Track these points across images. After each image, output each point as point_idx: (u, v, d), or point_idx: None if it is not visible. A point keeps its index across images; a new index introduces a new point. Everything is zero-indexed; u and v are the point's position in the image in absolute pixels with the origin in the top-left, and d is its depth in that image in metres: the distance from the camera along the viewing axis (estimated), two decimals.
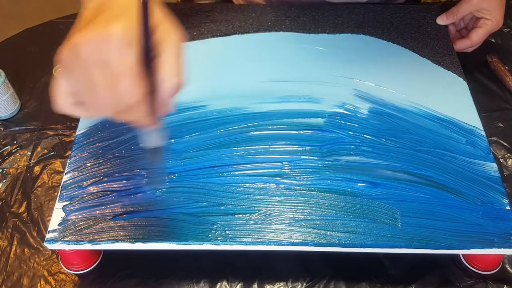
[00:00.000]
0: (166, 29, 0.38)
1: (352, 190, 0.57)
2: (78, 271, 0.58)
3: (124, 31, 0.35)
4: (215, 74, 0.69)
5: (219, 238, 0.53)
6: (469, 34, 0.75)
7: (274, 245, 0.53)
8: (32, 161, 0.68)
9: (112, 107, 0.37)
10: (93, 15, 0.37)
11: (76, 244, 0.53)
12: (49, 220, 0.57)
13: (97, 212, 0.55)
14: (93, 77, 0.36)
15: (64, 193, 0.56)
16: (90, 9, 0.38)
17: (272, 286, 0.57)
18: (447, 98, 0.66)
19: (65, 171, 0.58)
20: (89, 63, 0.35)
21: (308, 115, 0.64)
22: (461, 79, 0.69)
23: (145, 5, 0.35)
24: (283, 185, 0.57)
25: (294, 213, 0.55)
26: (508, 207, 0.56)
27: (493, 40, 0.84)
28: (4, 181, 0.66)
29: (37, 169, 0.67)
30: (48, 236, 0.53)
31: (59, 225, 0.54)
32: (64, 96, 0.38)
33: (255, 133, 0.62)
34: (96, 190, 0.56)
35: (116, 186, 0.57)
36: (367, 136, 0.62)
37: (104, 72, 0.35)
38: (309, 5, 0.78)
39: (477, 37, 0.74)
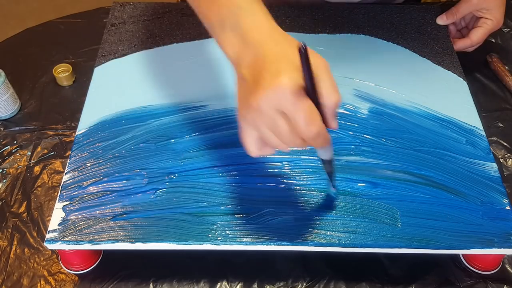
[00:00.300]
0: (314, 60, 0.41)
1: (352, 190, 0.57)
2: (78, 271, 0.58)
3: (292, 81, 0.40)
4: (215, 74, 0.69)
5: (219, 238, 0.53)
6: (469, 33, 0.75)
7: (274, 245, 0.53)
8: (32, 161, 0.68)
9: (296, 144, 0.43)
10: (255, 74, 0.42)
11: (76, 244, 0.53)
12: (49, 220, 0.57)
13: (97, 212, 0.55)
14: (277, 126, 0.42)
15: (64, 193, 0.56)
16: (248, 69, 0.43)
17: (272, 286, 0.57)
18: (447, 98, 0.66)
19: (65, 171, 0.58)
20: (272, 116, 0.41)
21: None
22: (461, 79, 0.69)
23: (305, 52, 0.40)
24: (283, 185, 0.57)
25: (294, 213, 0.55)
26: (508, 207, 0.56)
27: (493, 40, 0.84)
28: (4, 181, 0.66)
29: (37, 169, 0.67)
30: (48, 236, 0.53)
31: (59, 225, 0.54)
32: (253, 143, 0.45)
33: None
34: (96, 190, 0.56)
35: (116, 186, 0.57)
36: (367, 136, 0.62)
37: (284, 120, 0.41)
38: (309, 5, 0.78)
39: (477, 36, 0.74)
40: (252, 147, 0.45)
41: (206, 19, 0.48)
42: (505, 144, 0.70)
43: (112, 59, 0.70)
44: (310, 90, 0.41)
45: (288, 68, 0.41)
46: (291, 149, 0.46)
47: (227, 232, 0.53)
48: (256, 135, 0.44)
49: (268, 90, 0.40)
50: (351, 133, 0.62)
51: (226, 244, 0.53)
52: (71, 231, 0.53)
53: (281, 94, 0.40)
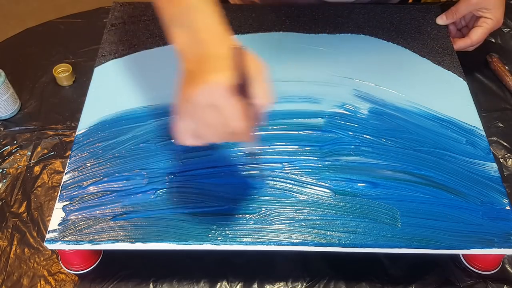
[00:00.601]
0: (251, 63, 0.46)
1: (352, 190, 0.57)
2: (78, 271, 0.58)
3: (226, 79, 0.44)
4: None
5: (219, 238, 0.53)
6: (469, 33, 0.75)
7: (274, 245, 0.53)
8: (32, 161, 0.68)
9: (224, 137, 0.47)
10: (195, 70, 0.46)
11: (76, 244, 0.53)
12: (49, 220, 0.57)
13: (97, 212, 0.55)
14: (208, 119, 0.46)
15: (64, 193, 0.56)
16: (191, 64, 0.47)
17: (272, 286, 0.57)
18: (447, 98, 0.66)
19: (65, 171, 0.58)
20: (204, 109, 0.45)
21: (308, 116, 0.64)
22: (461, 79, 0.69)
23: (240, 54, 0.44)
24: (283, 185, 0.57)
25: (294, 213, 0.55)
26: (508, 207, 0.56)
27: (493, 40, 0.84)
28: (4, 181, 0.66)
29: (37, 169, 0.67)
30: (48, 236, 0.53)
31: (59, 225, 0.54)
32: (184, 133, 0.48)
33: (255, 133, 0.62)
34: (96, 190, 0.56)
35: (116, 186, 0.57)
36: (367, 136, 0.62)
37: (216, 114, 0.45)
38: (309, 5, 0.78)
39: (477, 36, 0.74)
40: (186, 137, 0.48)
41: (162, 14, 0.51)
42: (505, 144, 0.70)
43: (112, 59, 0.70)
44: (242, 89, 0.44)
45: (225, 67, 0.45)
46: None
47: (227, 232, 0.53)
48: (190, 126, 0.47)
49: (204, 85, 0.44)
50: (351, 133, 0.62)
51: (226, 244, 0.53)
52: (71, 231, 0.53)
53: (215, 90, 0.44)
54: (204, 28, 0.48)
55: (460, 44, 0.75)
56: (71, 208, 0.55)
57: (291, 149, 0.60)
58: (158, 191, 0.56)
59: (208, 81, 0.44)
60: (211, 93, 0.44)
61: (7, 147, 0.70)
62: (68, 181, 0.57)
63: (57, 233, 0.53)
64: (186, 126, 0.47)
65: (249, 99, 0.45)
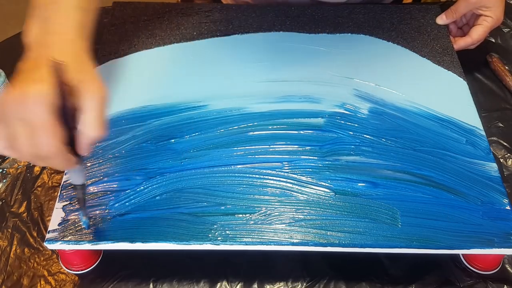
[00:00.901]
0: (87, 84, 0.42)
1: (352, 190, 0.57)
2: (78, 271, 0.58)
3: (40, 92, 0.39)
4: (215, 74, 0.69)
5: (219, 238, 0.53)
6: (469, 32, 0.75)
7: (274, 245, 0.53)
8: None
9: (32, 156, 0.42)
10: (20, 72, 0.42)
11: (76, 244, 0.53)
12: (49, 220, 0.57)
13: (97, 212, 0.55)
14: (15, 129, 0.41)
15: (64, 193, 0.56)
16: (22, 63, 0.43)
17: (272, 286, 0.57)
18: (447, 98, 0.66)
19: (65, 171, 0.58)
20: (12, 118, 0.40)
21: (308, 115, 0.64)
22: (461, 79, 0.69)
23: (57, 68, 0.40)
24: (283, 185, 0.57)
25: (294, 213, 0.55)
26: (508, 207, 0.56)
27: (493, 40, 0.84)
28: (4, 181, 0.66)
29: (37, 169, 0.67)
30: (48, 236, 0.53)
31: (59, 225, 0.54)
32: None
33: (255, 133, 0.62)
34: (96, 190, 0.56)
35: (116, 186, 0.57)
36: (367, 136, 0.62)
37: (23, 125, 0.40)
38: (309, 5, 0.78)
39: (477, 35, 0.74)
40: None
41: (32, 2, 0.47)
42: (505, 144, 0.70)
43: (112, 59, 0.70)
44: (61, 111, 0.41)
45: (46, 79, 0.40)
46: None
47: (227, 232, 0.53)
48: (3, 133, 0.42)
49: (15, 94, 0.40)
50: (351, 133, 0.62)
51: (226, 244, 0.53)
52: (71, 231, 0.53)
53: (25, 102, 0.40)
54: (54, 30, 0.44)
55: (461, 43, 0.75)
56: (71, 208, 0.55)
57: (291, 149, 0.60)
58: (158, 191, 0.56)
59: (21, 89, 0.40)
60: (20, 102, 0.40)
61: None
62: (68, 181, 0.57)
63: (57, 233, 0.53)
64: (1, 131, 0.42)
65: (75, 125, 0.42)
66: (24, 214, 0.63)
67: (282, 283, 0.57)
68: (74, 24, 0.45)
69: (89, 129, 0.42)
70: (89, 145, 0.43)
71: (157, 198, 0.56)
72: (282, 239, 0.53)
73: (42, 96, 0.40)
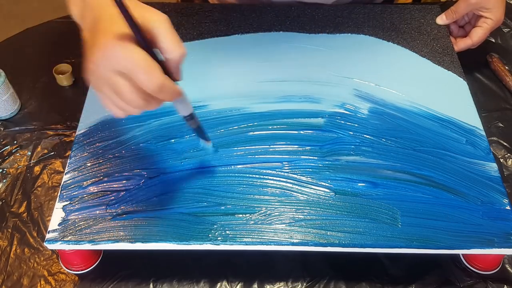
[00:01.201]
0: (151, 14, 0.42)
1: (352, 190, 0.57)
2: (78, 271, 0.58)
3: (120, 39, 0.40)
4: (215, 74, 0.69)
5: (219, 238, 0.53)
6: (469, 33, 0.75)
7: (274, 245, 0.53)
8: (32, 161, 0.68)
9: (142, 99, 0.42)
10: (91, 37, 0.43)
11: (76, 244, 0.53)
12: (49, 220, 0.57)
13: (97, 212, 0.55)
14: (116, 84, 0.41)
15: (64, 193, 0.56)
16: (87, 31, 0.44)
17: (272, 286, 0.57)
18: (447, 98, 0.66)
19: (65, 171, 0.58)
20: (108, 75, 0.41)
21: (308, 115, 0.64)
22: (461, 79, 0.69)
23: (121, 4, 0.39)
24: (283, 185, 0.57)
25: (294, 213, 0.55)
26: (508, 207, 0.56)
27: (493, 40, 0.84)
28: (4, 181, 0.66)
29: (37, 169, 0.67)
30: (48, 236, 0.53)
31: (59, 225, 0.54)
32: (108, 106, 0.44)
33: (255, 133, 0.62)
34: (96, 190, 0.56)
35: (116, 186, 0.57)
36: (367, 136, 0.62)
37: (122, 76, 0.41)
38: (309, 5, 0.78)
39: (477, 36, 0.74)
40: (111, 109, 0.44)
41: None
42: (505, 144, 0.70)
43: None
44: (143, 44, 0.41)
45: (118, 27, 0.41)
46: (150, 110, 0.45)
47: (227, 232, 0.53)
48: (109, 98, 0.43)
49: (99, 53, 0.41)
50: (351, 133, 0.62)
51: (226, 244, 0.53)
52: (71, 231, 0.53)
53: (111, 53, 0.40)
54: None
55: (461, 45, 0.75)
56: (71, 208, 0.55)
57: (291, 149, 0.60)
58: (158, 191, 0.56)
59: (101, 46, 0.41)
60: (109, 58, 0.40)
61: (7, 147, 0.70)
62: (68, 181, 0.57)
63: (57, 233, 0.53)
64: (105, 98, 0.44)
65: (159, 56, 0.42)
66: (24, 214, 0.63)
67: (282, 283, 0.57)
68: None
69: (174, 50, 0.42)
70: (179, 68, 0.44)
71: (157, 198, 0.56)
72: (282, 239, 0.53)
73: (128, 40, 0.40)
